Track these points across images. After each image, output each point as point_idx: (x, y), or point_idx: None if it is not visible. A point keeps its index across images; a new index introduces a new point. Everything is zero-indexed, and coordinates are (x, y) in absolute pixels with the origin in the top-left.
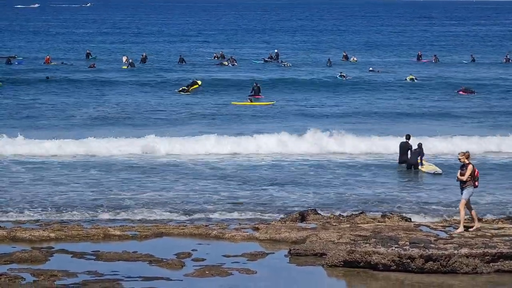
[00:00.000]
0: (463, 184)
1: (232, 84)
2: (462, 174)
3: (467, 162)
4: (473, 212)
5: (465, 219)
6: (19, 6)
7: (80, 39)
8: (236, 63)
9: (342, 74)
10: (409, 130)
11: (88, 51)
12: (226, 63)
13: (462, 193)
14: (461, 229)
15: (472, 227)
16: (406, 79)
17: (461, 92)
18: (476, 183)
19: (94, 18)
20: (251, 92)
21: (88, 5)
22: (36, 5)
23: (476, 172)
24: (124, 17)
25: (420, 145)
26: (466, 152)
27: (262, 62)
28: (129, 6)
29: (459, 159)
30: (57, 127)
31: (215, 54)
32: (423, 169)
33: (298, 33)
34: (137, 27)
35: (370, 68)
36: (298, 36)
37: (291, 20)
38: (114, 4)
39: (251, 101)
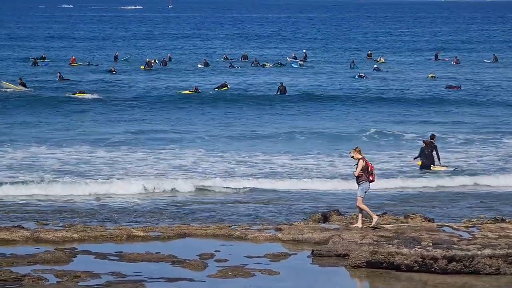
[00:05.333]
0: (358, 181)
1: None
2: None
3: (359, 157)
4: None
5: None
6: (124, 7)
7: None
8: (260, 64)
9: (360, 74)
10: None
11: (116, 53)
12: (268, 64)
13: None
14: (374, 221)
15: (354, 224)
16: (427, 77)
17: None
18: (371, 177)
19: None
20: (277, 92)
21: (170, 7)
22: (138, 7)
23: (370, 167)
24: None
25: (433, 142)
26: (356, 147)
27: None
28: (209, 8)
29: (352, 156)
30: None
31: (224, 55)
32: (435, 168)
33: (323, 34)
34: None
35: (375, 66)
36: (322, 38)
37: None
38: (196, 6)
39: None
